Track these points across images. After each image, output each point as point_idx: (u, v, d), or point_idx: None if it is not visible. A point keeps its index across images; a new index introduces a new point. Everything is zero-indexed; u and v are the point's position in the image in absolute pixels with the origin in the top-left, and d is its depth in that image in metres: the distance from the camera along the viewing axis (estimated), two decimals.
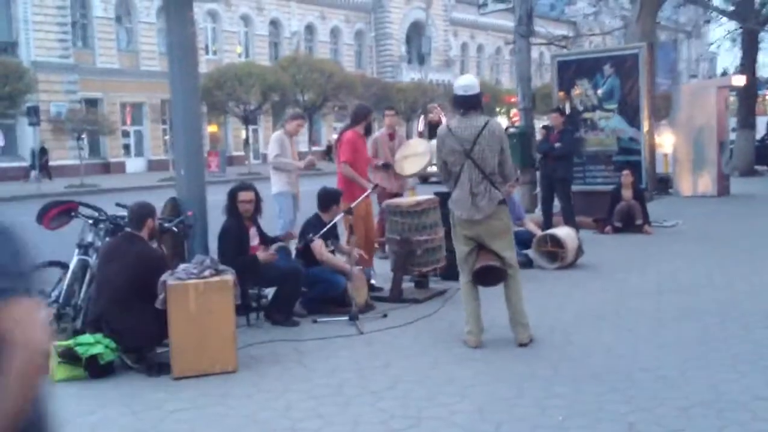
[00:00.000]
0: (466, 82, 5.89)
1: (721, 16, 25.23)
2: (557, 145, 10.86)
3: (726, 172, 16.89)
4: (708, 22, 28.80)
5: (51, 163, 32.72)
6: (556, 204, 11.25)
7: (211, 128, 42.01)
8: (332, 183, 8.15)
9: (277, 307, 6.67)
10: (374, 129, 9.10)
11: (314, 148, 40.68)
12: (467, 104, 5.77)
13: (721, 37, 27.78)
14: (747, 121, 22.44)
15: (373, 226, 8.47)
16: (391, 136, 9.39)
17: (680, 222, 12.40)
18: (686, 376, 4.91)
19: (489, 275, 5.77)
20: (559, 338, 5.90)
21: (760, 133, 24.07)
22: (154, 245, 6.04)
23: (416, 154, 8.54)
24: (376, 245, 8.78)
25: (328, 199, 7.32)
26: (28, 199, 20.91)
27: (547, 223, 10.79)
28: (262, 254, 6.59)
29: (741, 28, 23.05)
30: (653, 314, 6.58)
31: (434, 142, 8.57)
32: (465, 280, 5.85)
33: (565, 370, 5.15)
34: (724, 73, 51.47)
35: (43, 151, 30.98)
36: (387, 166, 9.02)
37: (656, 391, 4.66)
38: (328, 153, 41.36)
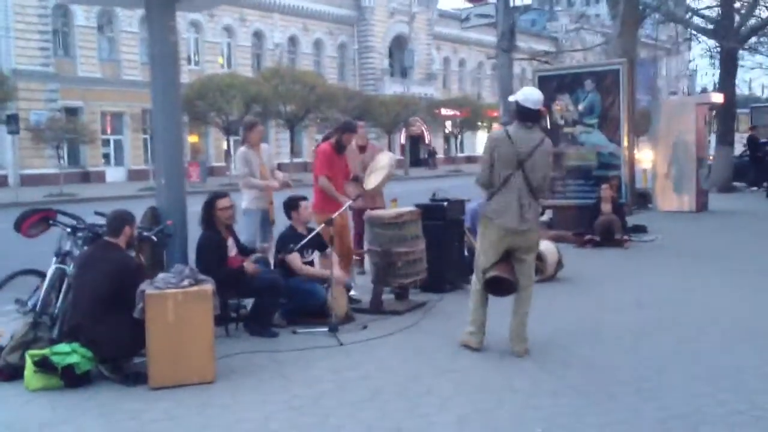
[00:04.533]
0: (537, 97, 5.79)
1: (700, 34, 25.49)
2: None
3: (704, 187, 17.04)
4: (688, 39, 29.07)
5: (30, 171, 32.57)
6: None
7: (192, 139, 41.89)
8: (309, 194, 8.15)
9: (256, 318, 6.64)
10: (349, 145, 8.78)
11: (296, 160, 40.66)
12: (532, 117, 5.77)
13: (700, 55, 28.10)
14: (725, 138, 22.67)
15: (349, 239, 8.45)
16: (362, 149, 9.08)
17: (659, 237, 12.49)
18: (664, 390, 4.94)
19: (500, 286, 5.87)
20: (539, 351, 5.91)
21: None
22: (133, 254, 6.00)
23: (379, 168, 8.21)
24: (355, 257, 8.76)
25: (287, 208, 7.38)
26: (4, 207, 20.72)
27: None
28: (249, 266, 6.54)
29: (720, 46, 23.31)
30: (632, 328, 6.62)
31: (391, 155, 8.48)
32: (478, 287, 5.94)
33: (544, 382, 5.16)
34: (704, 90, 52.14)
35: None
36: (356, 179, 8.90)
37: (634, 404, 4.68)
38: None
